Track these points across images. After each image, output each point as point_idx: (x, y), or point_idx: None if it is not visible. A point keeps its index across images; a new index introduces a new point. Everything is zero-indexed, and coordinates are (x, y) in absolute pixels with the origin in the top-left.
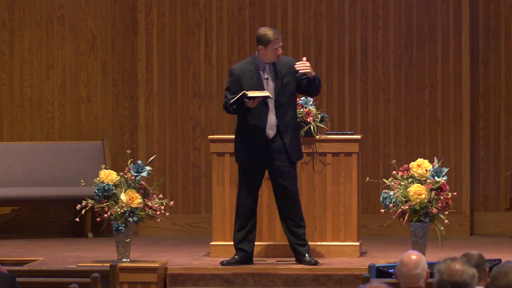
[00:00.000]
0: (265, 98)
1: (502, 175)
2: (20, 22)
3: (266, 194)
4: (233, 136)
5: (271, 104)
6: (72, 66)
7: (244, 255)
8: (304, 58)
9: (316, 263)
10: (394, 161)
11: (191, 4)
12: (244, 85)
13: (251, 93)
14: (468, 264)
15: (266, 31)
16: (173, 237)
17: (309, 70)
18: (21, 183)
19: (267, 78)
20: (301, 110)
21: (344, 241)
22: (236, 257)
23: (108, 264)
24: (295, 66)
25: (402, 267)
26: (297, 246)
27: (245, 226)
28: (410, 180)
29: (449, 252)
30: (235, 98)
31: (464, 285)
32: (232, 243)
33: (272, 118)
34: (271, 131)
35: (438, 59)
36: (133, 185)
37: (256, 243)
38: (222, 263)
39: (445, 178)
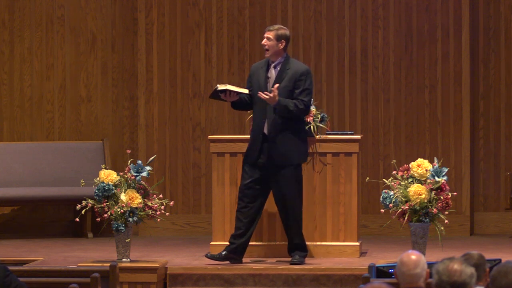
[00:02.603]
0: (240, 93)
1: (502, 175)
2: (20, 22)
3: None
4: (233, 136)
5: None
6: (72, 66)
7: (232, 249)
8: (274, 88)
9: (299, 263)
10: (394, 161)
11: (191, 4)
12: (253, 82)
13: (221, 86)
14: (466, 263)
15: None
16: (173, 237)
17: (266, 97)
18: (21, 183)
19: (269, 77)
20: None
21: (344, 241)
22: (222, 253)
23: (108, 264)
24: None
25: (402, 267)
26: (289, 249)
27: (239, 220)
28: (410, 180)
29: (449, 252)
30: (211, 92)
31: (463, 285)
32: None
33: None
34: (266, 130)
35: (438, 59)
36: (133, 185)
37: (256, 243)
38: (207, 256)
39: (445, 178)
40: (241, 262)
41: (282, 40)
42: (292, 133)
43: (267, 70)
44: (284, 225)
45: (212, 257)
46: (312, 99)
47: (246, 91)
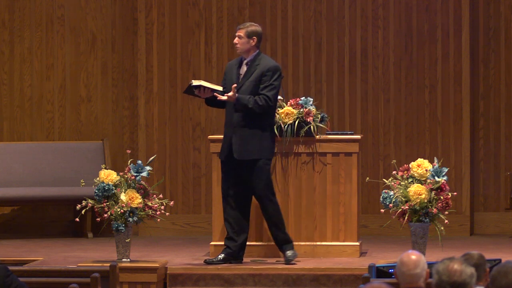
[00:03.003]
0: (214, 90)
1: (502, 175)
2: (20, 22)
3: None
4: None
5: None
6: (72, 66)
7: (229, 253)
8: (232, 88)
9: (293, 258)
10: (394, 161)
11: (191, 4)
12: (227, 80)
13: (195, 82)
14: (466, 263)
15: None
16: (173, 237)
17: (224, 98)
18: (21, 183)
19: (240, 74)
20: (301, 110)
21: (344, 241)
22: (219, 256)
23: (108, 264)
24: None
25: (402, 267)
26: (277, 245)
27: (227, 222)
28: (410, 180)
29: (449, 252)
30: (186, 88)
31: (463, 284)
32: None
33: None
34: (234, 126)
35: (438, 59)
36: (133, 185)
37: (256, 243)
38: (206, 262)
39: (445, 178)
40: (241, 262)
41: (254, 37)
42: (256, 129)
43: (240, 67)
44: (267, 223)
45: (210, 262)
46: (282, 95)
47: (220, 88)
